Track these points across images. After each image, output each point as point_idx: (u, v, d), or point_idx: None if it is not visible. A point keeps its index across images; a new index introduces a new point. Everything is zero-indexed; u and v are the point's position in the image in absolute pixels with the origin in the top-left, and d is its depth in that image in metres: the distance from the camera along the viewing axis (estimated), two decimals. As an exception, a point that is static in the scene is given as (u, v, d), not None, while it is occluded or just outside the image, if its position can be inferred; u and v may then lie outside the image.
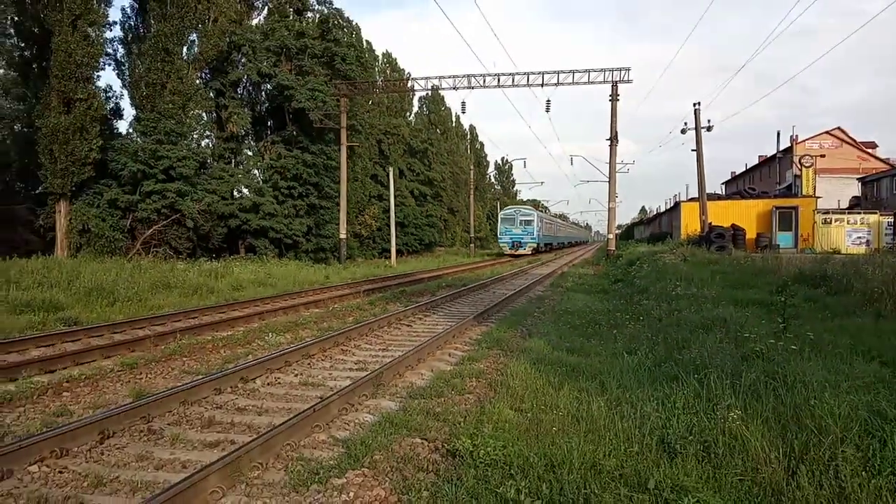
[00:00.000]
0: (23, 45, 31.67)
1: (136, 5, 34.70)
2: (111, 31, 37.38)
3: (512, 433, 5.19)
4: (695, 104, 34.05)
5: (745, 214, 35.72)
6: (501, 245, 53.93)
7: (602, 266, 33.21)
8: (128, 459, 5.32)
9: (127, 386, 7.77)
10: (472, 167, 72.63)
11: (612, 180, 36.07)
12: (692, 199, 41.77)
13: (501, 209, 61.92)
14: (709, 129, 34.85)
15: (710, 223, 32.37)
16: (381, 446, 5.26)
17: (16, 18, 30.19)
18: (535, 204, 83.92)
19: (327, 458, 5.21)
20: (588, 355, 8.86)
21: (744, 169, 67.50)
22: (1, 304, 12.73)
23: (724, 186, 71.33)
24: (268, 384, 7.95)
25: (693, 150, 34.17)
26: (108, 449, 5.55)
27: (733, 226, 32.11)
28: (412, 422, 5.94)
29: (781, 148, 51.74)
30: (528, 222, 52.78)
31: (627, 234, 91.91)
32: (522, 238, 52.00)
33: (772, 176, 54.51)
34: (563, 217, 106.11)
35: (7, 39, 28.71)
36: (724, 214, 35.19)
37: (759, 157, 62.25)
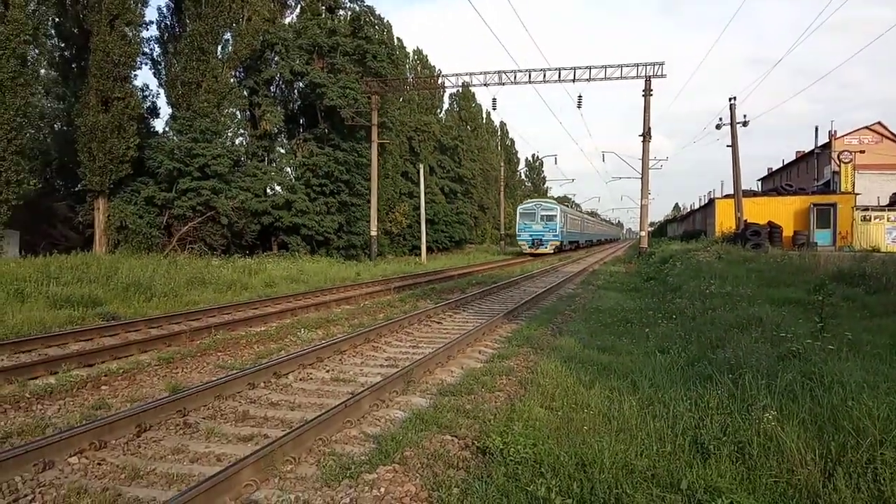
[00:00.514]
0: (63, 45, 32.48)
1: (171, 5, 35.30)
2: (148, 30, 38.31)
3: (542, 431, 5.17)
4: (730, 99, 33.46)
5: (782, 211, 35.03)
6: (520, 243, 49.60)
7: (634, 264, 32.87)
8: (164, 452, 5.44)
9: (163, 380, 7.93)
10: (502, 164, 72.44)
11: (644, 177, 35.65)
12: (727, 196, 41.07)
13: (520, 203, 57.90)
14: (745, 124, 34.24)
15: (746, 220, 31.80)
16: (411, 442, 5.29)
17: (56, 20, 30.94)
18: (565, 201, 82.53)
19: (358, 453, 5.26)
20: (619, 354, 8.80)
21: (780, 165, 66.07)
22: (42, 298, 13.09)
23: (760, 183, 69.97)
24: (300, 379, 8.05)
25: (728, 146, 33.60)
26: (145, 442, 5.67)
27: (769, 223, 31.52)
28: (442, 419, 5.97)
29: (819, 144, 50.62)
30: (550, 217, 48.17)
31: (660, 231, 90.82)
32: (543, 235, 47.61)
33: (809, 172, 53.32)
34: (592, 214, 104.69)
35: (48, 40, 29.45)
36: (760, 211, 34.55)
37: (797, 152, 60.91)
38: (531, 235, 48.13)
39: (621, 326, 11.44)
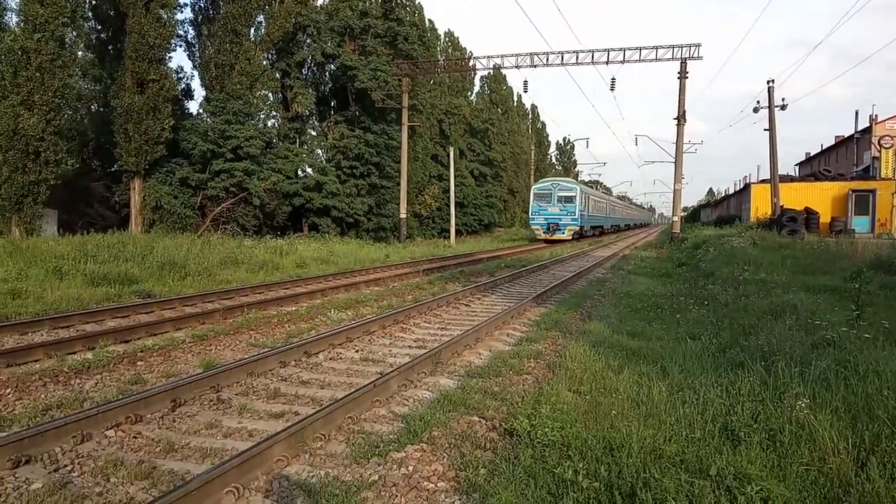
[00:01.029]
0: (99, 27, 32.95)
1: (206, -12, 35.59)
2: (182, 13, 38.60)
3: (570, 415, 5.18)
4: (768, 81, 32.69)
5: (820, 197, 34.29)
6: (533, 227, 43.66)
7: (666, 249, 32.47)
8: (198, 427, 5.56)
9: (197, 357, 8.10)
10: (532, 147, 71.96)
11: (678, 161, 35.09)
12: (763, 181, 40.29)
13: (535, 182, 52.76)
14: (783, 107, 33.47)
15: (782, 206, 31.20)
16: (439, 423, 5.34)
17: (93, 2, 31.38)
18: (595, 184, 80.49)
19: (387, 432, 5.32)
20: (649, 339, 8.74)
21: (819, 150, 64.54)
22: (79, 276, 13.42)
23: (797, 168, 68.46)
24: (330, 359, 8.15)
25: (766, 130, 32.91)
26: (180, 416, 5.81)
27: (806, 209, 30.88)
28: (470, 400, 6.00)
29: (860, 128, 49.25)
30: (569, 199, 42.28)
31: (693, 216, 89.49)
32: (560, 219, 41.75)
33: (849, 157, 51.99)
34: (622, 197, 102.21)
35: (85, 22, 29.89)
36: (797, 197, 33.87)
37: (836, 137, 59.40)
38: (546, 219, 42.26)
39: (652, 312, 11.33)
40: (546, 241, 40.75)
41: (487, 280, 16.80)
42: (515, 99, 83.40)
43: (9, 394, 6.32)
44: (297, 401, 6.35)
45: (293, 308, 11.94)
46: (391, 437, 5.16)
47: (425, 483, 4.32)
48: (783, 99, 33.98)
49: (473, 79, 70.08)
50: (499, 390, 6.41)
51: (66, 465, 4.68)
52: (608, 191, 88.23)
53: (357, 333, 9.39)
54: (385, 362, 7.97)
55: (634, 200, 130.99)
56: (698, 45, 32.73)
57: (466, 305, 12.86)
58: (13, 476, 4.46)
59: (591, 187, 63.62)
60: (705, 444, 4.59)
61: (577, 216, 42.19)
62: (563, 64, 34.09)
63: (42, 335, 8.98)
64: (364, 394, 6.01)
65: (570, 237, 41.86)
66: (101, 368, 7.31)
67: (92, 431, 5.21)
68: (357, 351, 8.60)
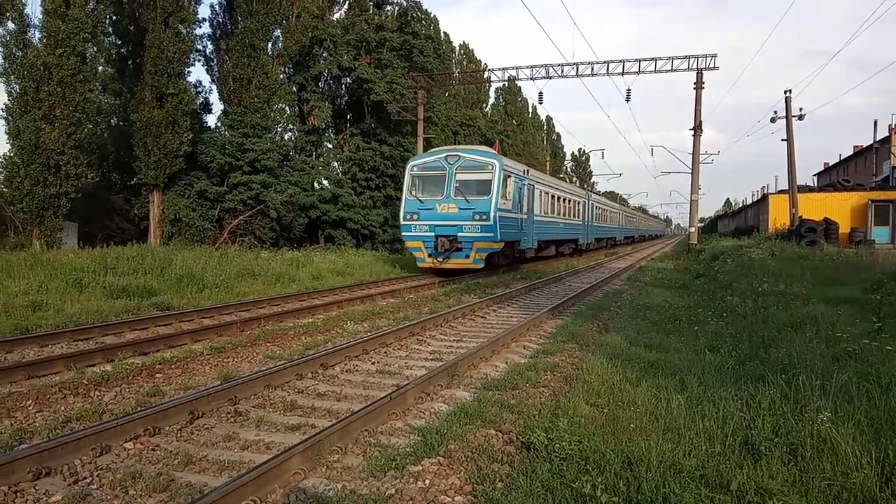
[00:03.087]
0: (119, 42, 33.49)
1: (224, 2, 36.12)
2: (201, 27, 39.04)
3: (588, 428, 5.13)
4: (786, 91, 32.57)
5: (839, 208, 33.97)
6: (407, 243, 22.42)
7: (683, 260, 32.24)
8: (216, 439, 5.58)
9: (215, 369, 8.15)
10: (547, 158, 71.97)
11: (695, 171, 34.88)
12: (781, 192, 39.96)
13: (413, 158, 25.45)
14: (800, 117, 33.24)
15: (801, 217, 30.91)
16: (456, 436, 5.32)
17: (113, 17, 31.93)
18: (613, 196, 79.04)
19: (403, 445, 5.31)
20: (667, 352, 8.66)
21: (837, 160, 63.89)
22: (99, 288, 13.56)
23: (816, 178, 67.76)
24: (346, 371, 8.16)
25: (783, 140, 32.69)
26: (198, 429, 5.84)
27: (825, 219, 30.59)
28: (487, 413, 5.97)
29: (878, 138, 48.69)
30: (483, 188, 21.02)
31: (711, 227, 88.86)
32: (462, 226, 20.72)
33: (867, 167, 51.43)
34: (638, 208, 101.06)
35: (105, 38, 30.41)
36: (816, 207, 33.56)
37: (854, 147, 58.84)
38: (432, 228, 21.10)
39: (669, 324, 11.24)
40: (435, 271, 21.44)
41: (503, 292, 16.76)
42: (530, 110, 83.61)
43: (29, 405, 6.39)
44: (314, 413, 6.36)
45: (309, 320, 11.98)
46: (408, 450, 5.14)
47: (442, 497, 4.30)
48: (801, 109, 33.73)
49: (489, 91, 70.47)
50: (515, 403, 6.37)
51: (85, 478, 4.71)
52: (624, 201, 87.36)
53: (373, 345, 9.39)
54: (401, 374, 7.96)
55: (650, 211, 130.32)
56: (714, 56, 32.60)
57: (482, 317, 12.83)
58: (34, 488, 4.50)
59: (589, 190, 52.22)
60: (725, 458, 4.53)
61: (493, 221, 20.37)
62: (578, 75, 34.11)
63: (62, 347, 9.08)
64: (380, 406, 6.00)
65: (476, 263, 20.77)
66: (121, 381, 7.37)
67: (111, 443, 5.24)
68: (373, 363, 8.60)
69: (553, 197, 30.00)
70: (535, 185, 26.13)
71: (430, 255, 20.77)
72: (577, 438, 4.86)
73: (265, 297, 14.42)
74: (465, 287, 18.42)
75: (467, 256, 20.59)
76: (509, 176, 21.64)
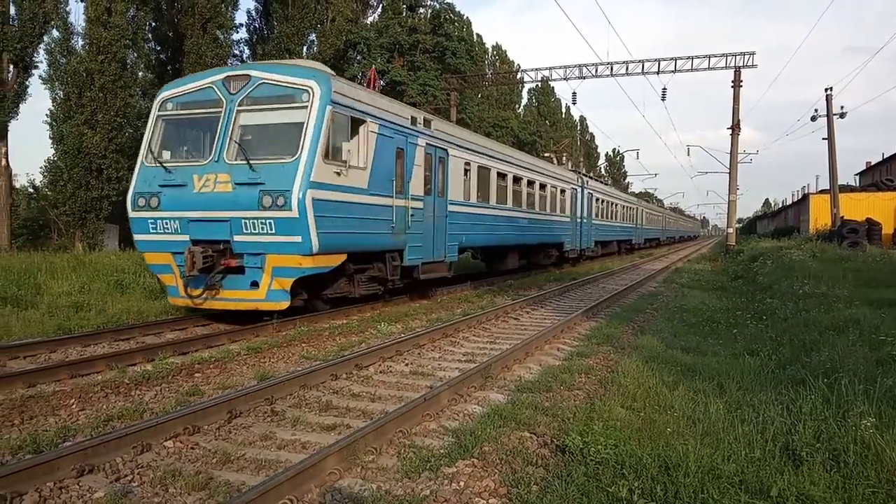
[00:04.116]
0: (159, 48, 34.27)
1: (260, 8, 36.74)
2: (238, 33, 39.73)
3: (624, 432, 5.07)
4: (826, 89, 31.80)
5: (882, 208, 33.08)
6: (146, 256, 11.18)
7: (720, 262, 31.70)
8: (253, 438, 5.65)
9: (252, 369, 8.25)
10: (581, 159, 71.28)
11: (732, 171, 34.29)
12: (822, 192, 39.07)
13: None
14: (842, 115, 32.48)
15: (843, 217, 30.16)
16: (490, 438, 5.31)
17: (153, 24, 32.67)
18: (648, 197, 77.30)
19: (438, 446, 5.31)
20: (705, 355, 8.52)
21: (880, 159, 62.09)
22: (139, 289, 13.86)
23: (858, 178, 65.97)
24: (380, 372, 8.20)
25: (824, 139, 31.98)
26: (235, 428, 5.92)
27: (868, 220, 29.81)
28: (521, 415, 5.94)
29: (926, 135, 47.23)
30: (287, 140, 10.19)
31: (749, 228, 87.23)
32: (241, 220, 9.96)
33: (914, 166, 49.89)
34: (673, 209, 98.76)
35: (145, 44, 31.12)
36: (858, 208, 32.73)
37: (900, 145, 57.05)
38: (185, 227, 10.34)
39: (707, 326, 11.06)
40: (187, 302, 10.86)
41: (536, 293, 16.68)
42: (564, 111, 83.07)
43: (72, 404, 6.55)
44: (349, 413, 6.40)
45: (344, 321, 12.07)
46: (442, 451, 5.15)
47: (477, 499, 4.29)
48: (842, 107, 32.99)
49: (521, 91, 70.21)
50: (550, 406, 6.34)
51: (126, 475, 4.81)
52: (659, 203, 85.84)
53: (407, 346, 9.43)
54: (435, 376, 7.97)
55: (686, 212, 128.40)
56: (752, 54, 32.07)
57: (515, 319, 12.79)
58: (77, 484, 4.61)
59: (604, 182, 42.74)
60: (765, 463, 4.44)
61: (300, 210, 9.79)
62: (612, 75, 33.86)
63: (104, 347, 9.30)
64: (414, 407, 6.02)
65: (285, 301, 10.43)
66: (161, 380, 7.51)
67: (151, 442, 5.34)
68: (407, 364, 8.63)
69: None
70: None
71: (184, 283, 10.34)
72: (613, 442, 4.81)
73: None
74: (497, 288, 18.37)
75: (255, 286, 10.23)
76: (361, 120, 11.24)
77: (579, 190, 28.60)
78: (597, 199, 32.21)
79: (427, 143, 14.14)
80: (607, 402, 6.05)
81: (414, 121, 13.63)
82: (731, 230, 37.04)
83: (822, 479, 4.12)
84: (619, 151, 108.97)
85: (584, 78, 34.54)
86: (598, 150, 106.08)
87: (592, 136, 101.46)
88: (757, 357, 7.97)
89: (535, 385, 7.18)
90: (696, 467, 4.31)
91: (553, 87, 76.70)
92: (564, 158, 32.83)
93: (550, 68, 35.74)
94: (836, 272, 15.65)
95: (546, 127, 73.60)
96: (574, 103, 42.13)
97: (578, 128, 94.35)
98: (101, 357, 8.17)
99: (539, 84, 66.37)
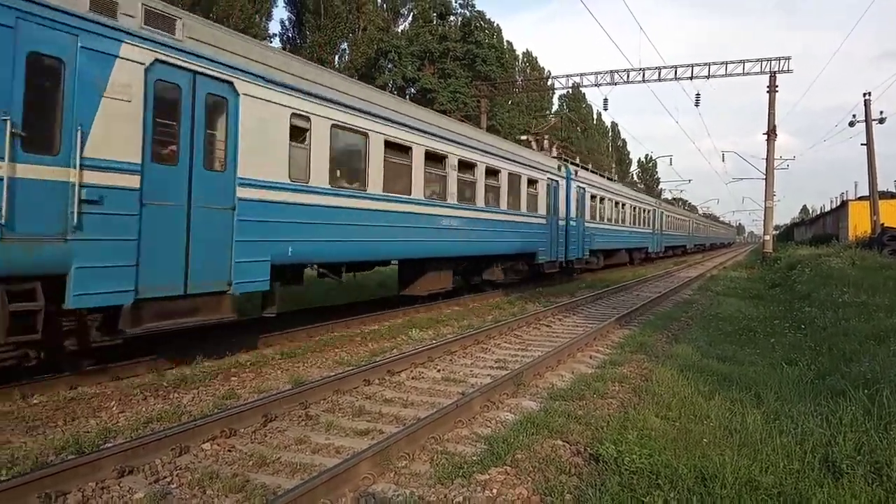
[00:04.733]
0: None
1: (293, 18, 37.32)
2: (272, 42, 40.37)
3: (658, 442, 5.02)
4: (865, 94, 31.15)
5: (925, 215, 32.08)
6: None
7: (757, 269, 31.13)
8: (288, 442, 5.73)
9: (286, 373, 8.36)
10: (613, 165, 70.81)
11: (768, 177, 33.67)
12: (861, 198, 38.16)
13: None
14: (881, 121, 31.77)
15: (883, 224, 29.41)
16: (522, 446, 5.30)
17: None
18: (682, 204, 75.78)
19: (470, 453, 5.32)
20: (741, 364, 8.39)
21: (925, 164, 60.39)
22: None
23: (899, 183, 64.26)
24: (412, 378, 8.23)
25: (863, 145, 31.25)
26: (271, 431, 6.00)
27: (910, 227, 28.93)
28: (553, 423, 5.92)
29: (973, 139, 45.88)
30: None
31: (786, 235, 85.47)
32: None
33: (960, 171, 48.41)
34: (707, 215, 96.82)
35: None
36: (900, 214, 31.80)
37: (945, 150, 55.48)
38: None
39: (743, 335, 10.88)
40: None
41: (568, 300, 16.58)
42: (595, 117, 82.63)
43: (113, 406, 6.70)
44: (382, 419, 6.44)
45: (376, 327, 12.15)
46: (474, 458, 5.15)
47: (510, 507, 4.29)
48: (881, 112, 32.06)
49: (552, 98, 69.94)
50: (583, 414, 6.30)
51: (165, 477, 4.91)
52: (693, 209, 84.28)
53: (438, 353, 9.45)
54: (466, 382, 7.98)
55: (721, 218, 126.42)
56: (788, 59, 31.52)
57: (547, 326, 12.73)
58: (118, 485, 4.72)
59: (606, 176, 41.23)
60: (804, 476, 4.37)
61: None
62: (644, 81, 33.57)
63: (143, 350, 9.47)
64: (447, 414, 6.04)
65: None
66: (198, 383, 7.65)
67: (189, 444, 5.44)
68: (439, 370, 8.65)
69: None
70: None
71: None
72: (648, 452, 4.77)
73: (332, 304, 14.68)
74: (528, 295, 18.29)
75: None
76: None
77: (561, 182, 21.80)
78: (593, 197, 25.78)
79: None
80: (641, 411, 5.99)
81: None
82: (767, 237, 36.34)
83: (864, 492, 4.04)
84: (651, 157, 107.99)
85: (616, 84, 34.34)
86: (631, 157, 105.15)
87: (625, 143, 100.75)
88: (795, 367, 7.82)
89: (567, 393, 7.15)
90: (733, 479, 4.26)
91: (584, 94, 76.39)
92: (547, 143, 26.12)
93: (581, 74, 35.61)
94: (877, 280, 15.25)
95: (577, 133, 73.25)
96: (605, 109, 41.84)
97: (610, 134, 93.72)
98: (141, 360, 8.33)
99: (570, 90, 66.25)
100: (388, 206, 12.19)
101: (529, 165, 19.07)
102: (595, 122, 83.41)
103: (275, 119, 9.27)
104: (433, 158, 13.89)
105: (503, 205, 17.22)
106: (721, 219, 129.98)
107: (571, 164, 24.34)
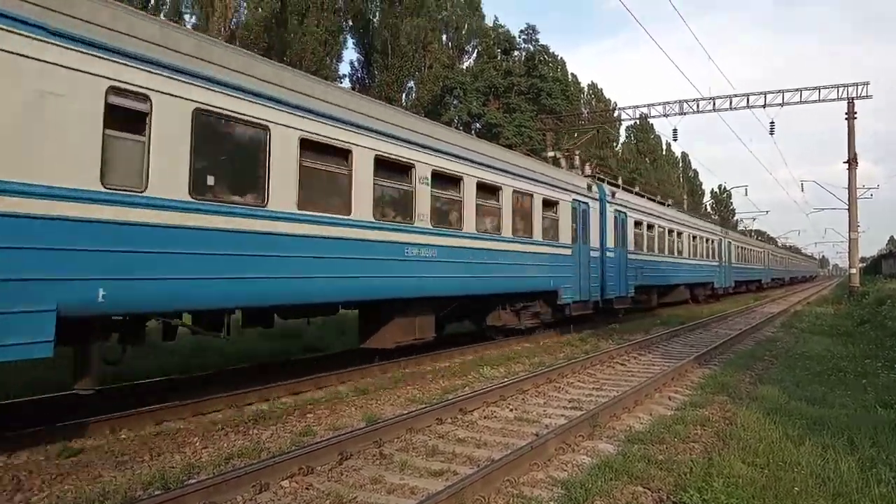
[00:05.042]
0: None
1: (362, 59, 38.50)
2: (342, 82, 41.79)
3: (746, 490, 4.80)
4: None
5: None
6: None
7: (844, 304, 29.57)
8: (363, 481, 5.75)
9: (360, 410, 8.44)
10: (684, 196, 69.18)
11: (852, 208, 32.16)
12: (958, 227, 35.82)
13: None
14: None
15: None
16: (601, 491, 5.15)
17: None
18: (759, 235, 72.91)
19: (547, 498, 5.21)
20: (832, 407, 7.94)
21: None
22: (254, 331, 14.51)
23: None
24: (484, 417, 8.16)
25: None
26: (346, 470, 6.05)
27: None
28: (633, 468, 5.73)
29: None
30: None
31: (874, 267, 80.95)
32: None
33: None
34: (788, 247, 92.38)
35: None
36: None
37: None
38: None
39: (832, 376, 10.32)
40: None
41: (642, 338, 16.15)
42: (664, 147, 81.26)
43: (196, 441, 6.92)
44: (455, 459, 6.40)
45: (446, 364, 12.15)
46: (551, 503, 5.04)
47: (590, 555, 4.17)
48: (978, 135, 30.27)
49: (619, 129, 69.32)
50: (663, 459, 6.08)
51: (246, 514, 5.02)
52: (772, 241, 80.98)
53: (510, 392, 9.36)
54: (540, 423, 7.85)
55: (803, 251, 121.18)
56: (866, 84, 30.25)
57: (622, 364, 12.42)
58: (203, 521, 4.85)
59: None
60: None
61: None
62: (715, 110, 32.87)
63: (222, 387, 9.76)
64: (521, 456, 5.95)
65: None
66: (276, 419, 7.82)
67: (269, 481, 5.54)
68: (511, 410, 8.55)
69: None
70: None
71: None
72: (735, 501, 4.56)
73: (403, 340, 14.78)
74: (601, 332, 17.93)
75: None
76: None
77: (593, 204, 18.49)
78: (638, 224, 22.39)
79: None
80: (726, 456, 5.74)
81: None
82: (854, 270, 34.54)
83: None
84: (725, 188, 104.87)
85: (685, 114, 33.71)
86: (703, 188, 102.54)
87: (696, 173, 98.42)
88: (891, 410, 7.36)
89: (646, 436, 6.92)
90: (830, 533, 4.01)
91: (652, 124, 75.31)
92: (578, 161, 22.88)
93: (649, 105, 35.16)
94: (981, 317, 14.27)
95: (646, 165, 72.15)
96: (675, 139, 41.07)
97: (680, 164, 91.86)
98: (221, 396, 8.58)
99: (637, 121, 65.44)
100: (309, 230, 8.85)
101: (545, 183, 15.72)
102: (664, 152, 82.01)
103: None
104: (390, 167, 10.50)
105: (505, 231, 13.79)
106: (803, 251, 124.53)
107: (610, 183, 21.16)
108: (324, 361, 11.94)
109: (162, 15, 28.32)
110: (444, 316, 13.47)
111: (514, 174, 14.22)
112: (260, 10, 29.45)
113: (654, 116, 35.70)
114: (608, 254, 19.05)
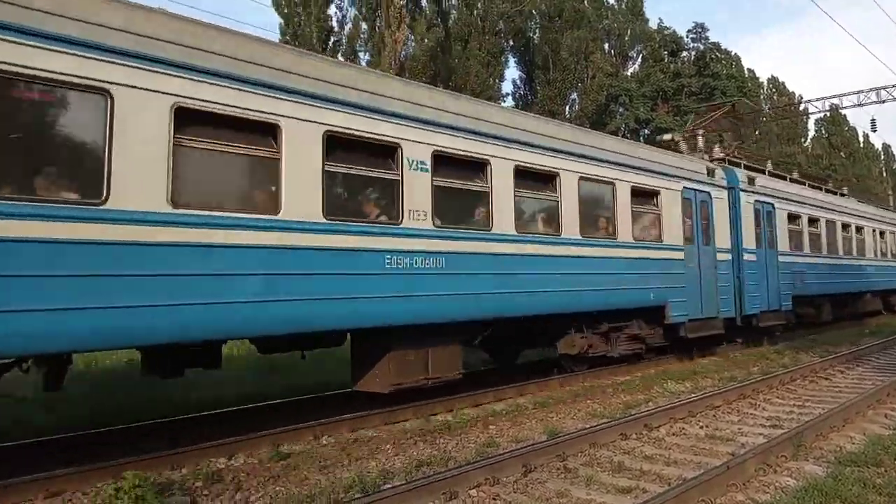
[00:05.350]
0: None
1: (523, 76, 38.80)
2: (505, 101, 42.42)
3: None
4: None
5: None
6: None
7: None
8: (549, 495, 5.73)
9: (541, 423, 8.44)
10: (889, 193, 61.65)
11: None
12: None
13: None
14: None
15: None
16: (812, 516, 4.73)
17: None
18: None
19: (749, 520, 4.88)
20: None
21: None
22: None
23: None
24: (672, 434, 7.81)
25: None
26: (531, 482, 6.07)
27: None
28: (846, 492, 5.21)
29: None
30: None
31: None
32: None
33: None
34: None
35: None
36: None
37: None
38: None
39: None
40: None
41: (849, 350, 14.58)
42: (861, 140, 73.07)
43: (388, 449, 7.32)
44: (643, 477, 6.18)
45: (627, 378, 11.79)
46: (755, 527, 4.72)
47: (805, 586, 3.84)
48: None
49: (807, 123, 63.54)
50: (882, 483, 5.46)
51: (441, 521, 5.21)
52: None
53: (699, 408, 8.87)
54: (735, 441, 7.36)
55: None
56: None
57: (826, 379, 11.32)
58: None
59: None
60: None
61: None
62: (922, 94, 29.03)
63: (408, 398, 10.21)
64: (717, 476, 5.62)
65: None
66: (460, 430, 8.05)
67: (458, 490, 5.70)
68: (701, 427, 8.10)
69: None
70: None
71: None
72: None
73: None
74: (798, 344, 16.44)
75: None
76: None
77: (717, 194, 14.66)
78: (793, 217, 17.72)
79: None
80: (965, 484, 5.03)
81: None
82: None
83: None
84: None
85: (883, 102, 30.11)
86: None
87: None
88: None
89: (860, 457, 6.25)
90: None
91: (845, 116, 68.18)
92: (701, 143, 18.58)
93: (840, 95, 31.81)
94: None
95: (840, 160, 65.32)
96: (874, 130, 36.78)
97: (882, 157, 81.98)
98: (409, 406, 8.98)
99: (827, 113, 59.52)
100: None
101: (634, 167, 12.13)
102: (861, 145, 73.75)
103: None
104: (369, 148, 7.99)
105: (567, 230, 10.44)
106: None
107: (749, 168, 17.03)
108: (497, 373, 12.07)
109: (340, 55, 30.42)
110: (483, 342, 11.61)
111: (579, 155, 10.88)
112: (426, 40, 30.66)
113: (846, 107, 32.33)
114: (746, 256, 15.06)
